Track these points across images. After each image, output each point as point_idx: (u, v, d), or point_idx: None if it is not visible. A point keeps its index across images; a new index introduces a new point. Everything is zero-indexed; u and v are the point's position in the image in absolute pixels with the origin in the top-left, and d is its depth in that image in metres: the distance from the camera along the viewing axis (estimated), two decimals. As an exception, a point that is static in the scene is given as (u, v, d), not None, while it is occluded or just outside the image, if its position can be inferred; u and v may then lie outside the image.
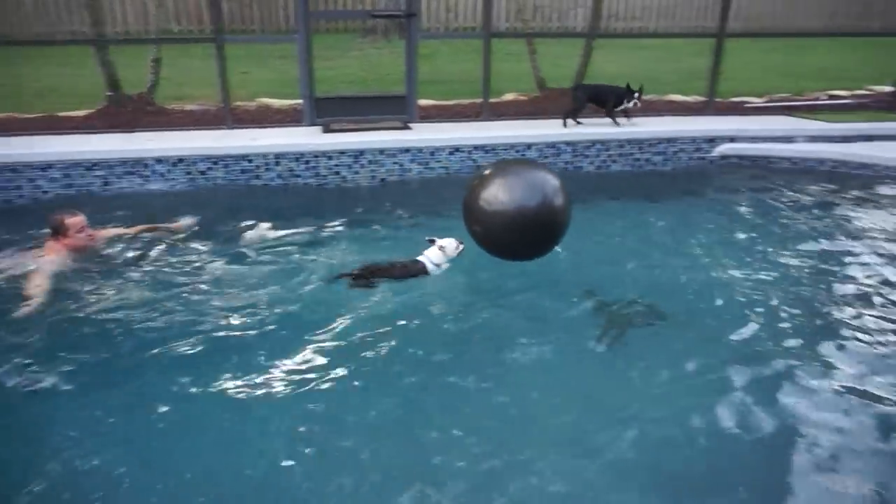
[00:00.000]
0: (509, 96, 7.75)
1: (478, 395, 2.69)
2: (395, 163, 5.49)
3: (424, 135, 5.65)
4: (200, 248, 3.99)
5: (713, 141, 5.94)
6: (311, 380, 2.72)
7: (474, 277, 3.69)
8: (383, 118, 6.03)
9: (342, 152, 5.40)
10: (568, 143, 5.70)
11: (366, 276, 3.48)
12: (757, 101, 7.89)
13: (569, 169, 5.72)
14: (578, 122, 6.00)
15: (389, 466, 2.28)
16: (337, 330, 3.09)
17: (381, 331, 3.08)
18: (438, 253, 3.59)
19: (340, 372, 2.78)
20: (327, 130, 5.75)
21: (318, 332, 3.06)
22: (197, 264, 3.76)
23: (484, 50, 6.22)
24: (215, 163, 5.19)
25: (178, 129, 5.94)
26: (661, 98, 8.17)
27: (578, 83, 6.28)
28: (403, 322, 3.17)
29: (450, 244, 3.60)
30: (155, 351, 2.90)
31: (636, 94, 5.84)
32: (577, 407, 2.63)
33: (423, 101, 7.31)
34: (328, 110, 6.01)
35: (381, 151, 5.44)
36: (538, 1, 18.32)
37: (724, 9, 6.42)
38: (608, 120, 5.96)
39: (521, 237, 3.18)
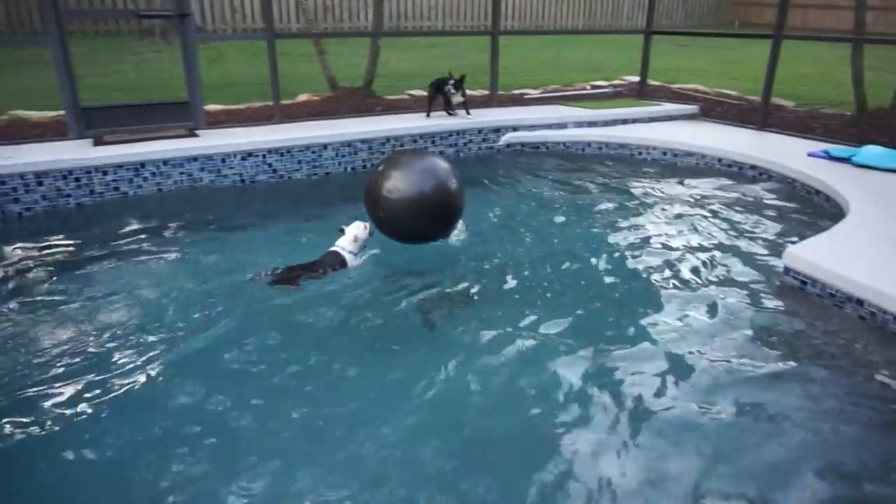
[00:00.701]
0: (303, 97, 7.65)
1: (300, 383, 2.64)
2: (182, 173, 5.15)
3: (213, 141, 5.37)
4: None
5: (499, 131, 6.42)
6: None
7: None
8: (165, 126, 5.62)
9: (119, 166, 4.94)
10: (363, 141, 5.79)
11: (288, 279, 3.43)
12: (535, 93, 8.66)
13: (367, 167, 5.80)
14: (428, 116, 6.42)
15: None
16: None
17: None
18: (349, 238, 3.67)
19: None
20: (99, 143, 5.22)
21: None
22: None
23: (269, 51, 6.06)
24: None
25: None
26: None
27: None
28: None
29: (357, 227, 3.72)
30: None
31: (451, 82, 6.15)
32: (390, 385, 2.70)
33: (211, 107, 6.95)
34: (99, 121, 5.46)
35: (165, 162, 5.07)
36: (328, 1, 18.24)
37: (495, 9, 6.93)
38: (403, 115, 6.17)
39: (421, 219, 3.70)
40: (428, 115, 6.43)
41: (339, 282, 3.56)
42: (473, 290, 3.59)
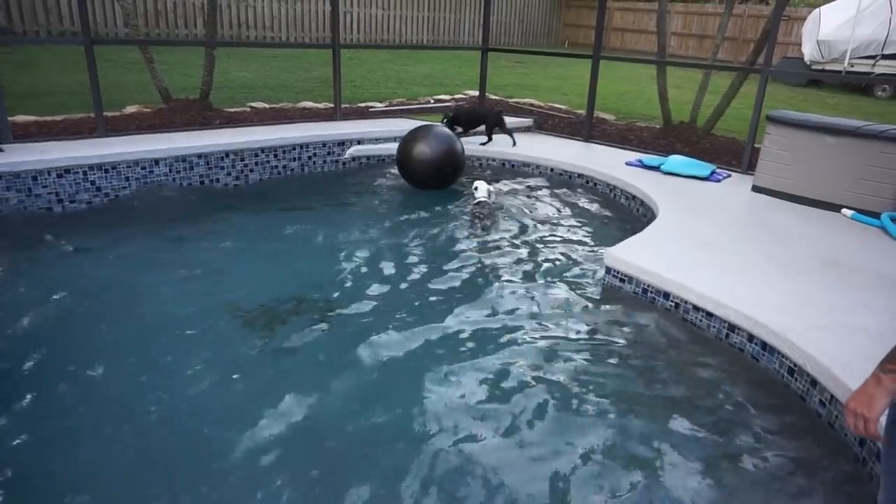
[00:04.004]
0: (132, 109, 7.11)
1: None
2: (-18, 193, 4.57)
3: (21, 157, 4.81)
4: None
5: (343, 144, 6.41)
6: None
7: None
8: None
9: None
10: (200, 156, 5.51)
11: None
12: (380, 106, 8.77)
13: (205, 183, 5.53)
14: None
15: None
16: None
17: None
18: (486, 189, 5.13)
19: None
20: None
21: None
22: None
23: (88, 58, 5.57)
24: None
25: None
26: (295, 105, 8.48)
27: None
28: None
29: (482, 185, 5.15)
30: None
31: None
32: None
33: (20, 117, 6.24)
34: None
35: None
36: (160, 6, 17.08)
37: (333, 22, 6.92)
38: (244, 129, 5.94)
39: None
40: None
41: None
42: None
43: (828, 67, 14.41)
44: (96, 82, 5.61)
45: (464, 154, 5.77)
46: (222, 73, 8.44)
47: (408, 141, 5.63)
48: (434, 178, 5.66)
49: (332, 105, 7.25)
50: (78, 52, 5.69)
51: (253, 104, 8.13)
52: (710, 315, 3.30)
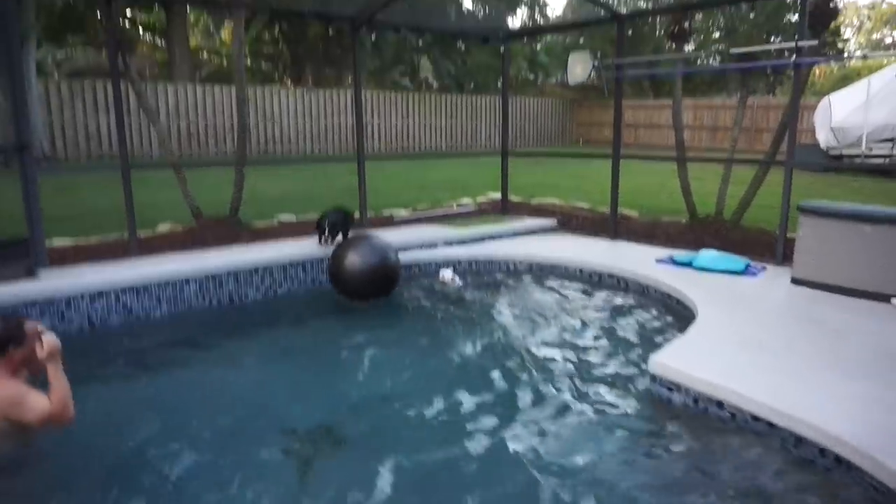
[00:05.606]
0: (164, 228, 7.28)
1: None
2: (17, 320, 4.58)
3: (56, 282, 4.88)
4: None
5: (370, 253, 6.42)
6: None
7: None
8: (-2, 268, 5.05)
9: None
10: (230, 273, 5.54)
11: None
12: (404, 213, 8.90)
13: (234, 301, 5.54)
14: None
15: None
16: None
17: None
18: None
19: None
20: (-88, 292, 4.56)
21: None
22: None
23: (124, 182, 5.78)
24: None
25: None
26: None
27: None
28: None
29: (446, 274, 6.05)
30: None
31: None
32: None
33: (57, 242, 6.40)
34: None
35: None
36: (192, 128, 18.08)
37: (358, 137, 7.18)
38: (272, 243, 6.03)
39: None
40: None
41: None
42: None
43: (845, 152, 14.51)
44: (131, 207, 5.79)
45: (398, 263, 5.62)
46: (250, 187, 8.70)
47: (339, 252, 5.46)
48: (366, 288, 5.42)
49: (357, 215, 7.36)
50: (115, 176, 5.91)
51: (281, 218, 8.30)
52: (771, 426, 3.06)
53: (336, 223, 6.15)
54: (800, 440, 2.92)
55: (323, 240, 6.12)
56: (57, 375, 2.73)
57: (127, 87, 8.43)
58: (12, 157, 5.37)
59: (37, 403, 2.66)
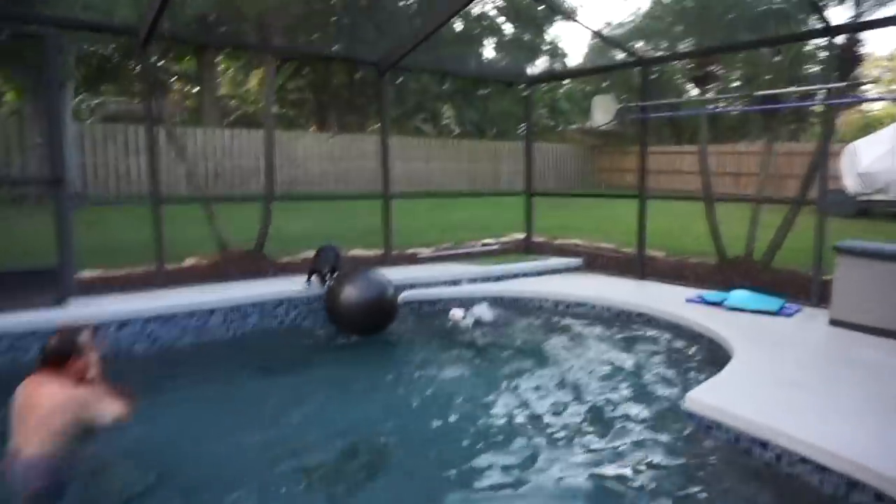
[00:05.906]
0: (190, 261, 7.34)
1: None
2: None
3: (84, 310, 4.90)
4: None
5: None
6: None
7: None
8: (23, 297, 5.07)
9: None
10: (254, 305, 5.52)
11: None
12: (427, 251, 8.89)
13: (257, 332, 5.50)
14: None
15: None
16: None
17: None
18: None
19: None
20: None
21: None
22: None
23: (154, 216, 5.85)
24: None
25: None
26: (345, 254, 8.64)
27: None
28: None
29: (457, 312, 5.96)
30: None
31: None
32: None
33: (87, 273, 6.46)
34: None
35: (33, 333, 4.50)
36: (220, 168, 18.48)
37: (384, 176, 7.24)
38: (294, 278, 6.02)
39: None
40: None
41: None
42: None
43: (874, 198, 14.34)
44: (160, 239, 5.84)
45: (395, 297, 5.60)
46: (275, 225, 8.77)
47: (336, 286, 5.43)
48: (363, 321, 5.40)
49: (382, 252, 7.36)
50: (144, 211, 6.00)
51: (305, 255, 8.32)
52: (822, 469, 2.89)
53: (335, 265, 5.93)
54: (854, 485, 2.76)
55: (322, 282, 5.84)
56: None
57: (158, 130, 8.66)
58: (48, 190, 5.46)
59: (109, 405, 2.86)
